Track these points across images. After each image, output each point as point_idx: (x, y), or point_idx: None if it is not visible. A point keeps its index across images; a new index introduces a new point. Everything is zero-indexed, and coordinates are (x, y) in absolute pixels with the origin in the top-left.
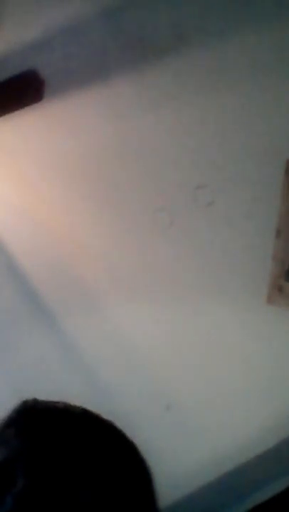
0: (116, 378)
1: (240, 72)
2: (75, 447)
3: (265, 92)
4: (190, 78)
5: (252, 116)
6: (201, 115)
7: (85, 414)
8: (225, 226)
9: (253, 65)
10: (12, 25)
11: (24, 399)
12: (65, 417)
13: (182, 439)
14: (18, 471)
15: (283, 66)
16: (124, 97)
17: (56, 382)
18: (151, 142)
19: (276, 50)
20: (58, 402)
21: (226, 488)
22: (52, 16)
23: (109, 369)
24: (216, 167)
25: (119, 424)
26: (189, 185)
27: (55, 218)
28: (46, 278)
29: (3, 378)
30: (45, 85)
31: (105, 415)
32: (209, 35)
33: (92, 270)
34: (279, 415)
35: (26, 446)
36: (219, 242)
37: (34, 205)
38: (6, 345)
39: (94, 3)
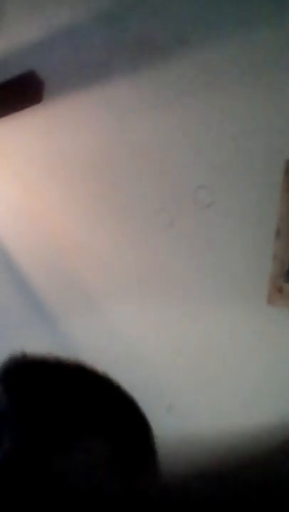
0: (116, 378)
1: (240, 73)
2: (68, 402)
3: (265, 93)
4: (190, 79)
5: (252, 117)
6: (201, 116)
7: (78, 367)
8: (225, 226)
9: (253, 65)
10: (12, 26)
11: (12, 353)
12: (56, 371)
13: (183, 440)
14: (5, 430)
15: (283, 66)
16: (123, 97)
17: None
18: (151, 143)
19: (276, 50)
20: (48, 356)
21: None
22: (51, 18)
23: (109, 369)
24: (216, 167)
25: None
26: (189, 185)
27: (55, 218)
28: (46, 278)
29: None
30: (44, 86)
31: None
32: (209, 36)
33: (92, 270)
34: (280, 415)
35: (15, 403)
36: (219, 242)
37: (34, 205)
38: (5, 345)
39: (93, 4)
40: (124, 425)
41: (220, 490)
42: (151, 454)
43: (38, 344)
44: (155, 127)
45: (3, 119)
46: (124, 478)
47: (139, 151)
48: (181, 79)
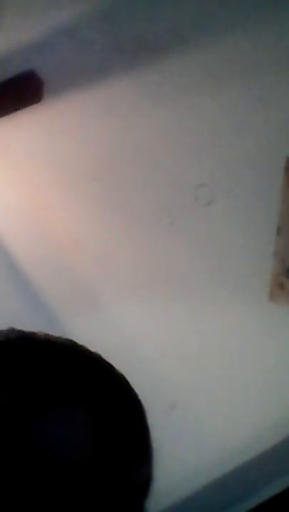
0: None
1: (239, 72)
2: (52, 373)
3: (265, 91)
4: (190, 78)
5: (252, 115)
6: (201, 114)
7: (67, 345)
8: (225, 224)
9: (253, 64)
10: (12, 25)
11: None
12: (44, 347)
13: (185, 438)
14: None
15: (283, 65)
16: (123, 97)
17: None
18: (151, 142)
19: (276, 49)
20: (36, 333)
21: (227, 488)
22: (51, 17)
23: None
24: (216, 166)
25: None
26: (189, 184)
27: (55, 218)
28: (46, 277)
29: None
30: (44, 86)
31: None
32: (209, 35)
33: (93, 269)
34: (281, 414)
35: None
36: (220, 240)
37: (34, 205)
38: None
39: (93, 3)
40: (111, 400)
41: None
42: (142, 430)
43: None
44: (155, 126)
45: (3, 118)
46: (104, 449)
47: (139, 150)
48: (181, 78)
